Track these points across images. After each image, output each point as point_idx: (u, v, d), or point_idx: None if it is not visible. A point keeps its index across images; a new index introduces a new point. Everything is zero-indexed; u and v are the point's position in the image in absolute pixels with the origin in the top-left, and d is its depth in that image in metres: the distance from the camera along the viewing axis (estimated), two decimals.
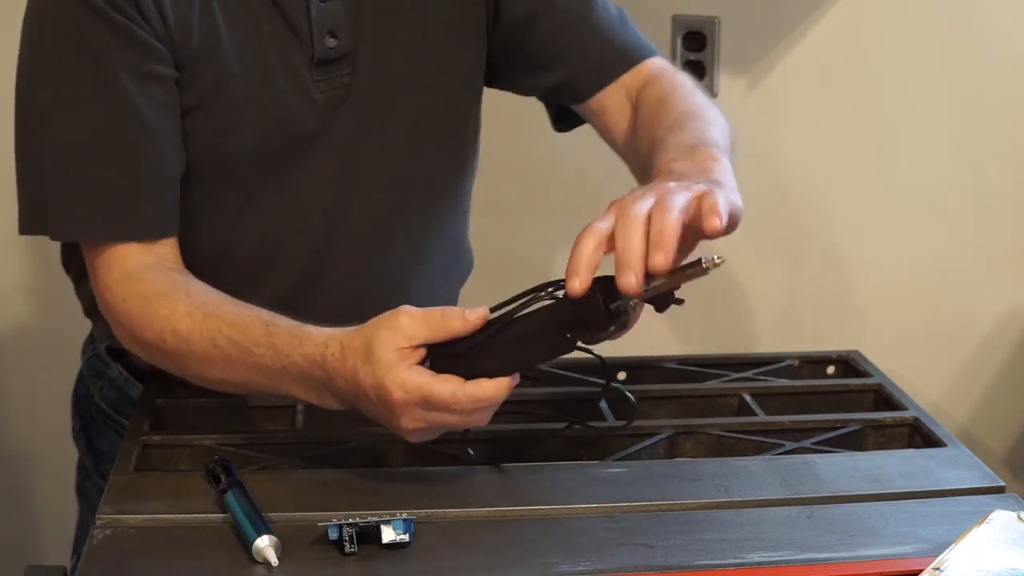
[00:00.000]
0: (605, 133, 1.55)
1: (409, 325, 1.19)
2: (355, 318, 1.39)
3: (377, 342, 1.20)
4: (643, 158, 1.39)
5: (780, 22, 2.10)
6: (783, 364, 1.61)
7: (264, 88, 1.42)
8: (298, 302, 1.40)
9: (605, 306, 1.13)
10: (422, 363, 1.20)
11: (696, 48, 2.15)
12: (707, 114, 1.41)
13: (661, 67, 1.53)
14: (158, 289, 1.36)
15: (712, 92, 2.15)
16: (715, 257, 1.08)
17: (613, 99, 1.53)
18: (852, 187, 2.11)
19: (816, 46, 2.08)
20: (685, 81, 1.50)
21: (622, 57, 1.52)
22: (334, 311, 1.42)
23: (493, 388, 1.18)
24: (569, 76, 1.53)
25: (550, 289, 1.16)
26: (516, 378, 1.19)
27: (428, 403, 1.18)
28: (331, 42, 1.43)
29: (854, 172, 2.10)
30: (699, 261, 1.09)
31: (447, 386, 1.18)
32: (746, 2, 2.13)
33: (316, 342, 1.25)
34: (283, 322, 1.29)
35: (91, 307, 1.56)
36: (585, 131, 1.57)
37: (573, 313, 1.14)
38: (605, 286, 1.13)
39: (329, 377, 1.24)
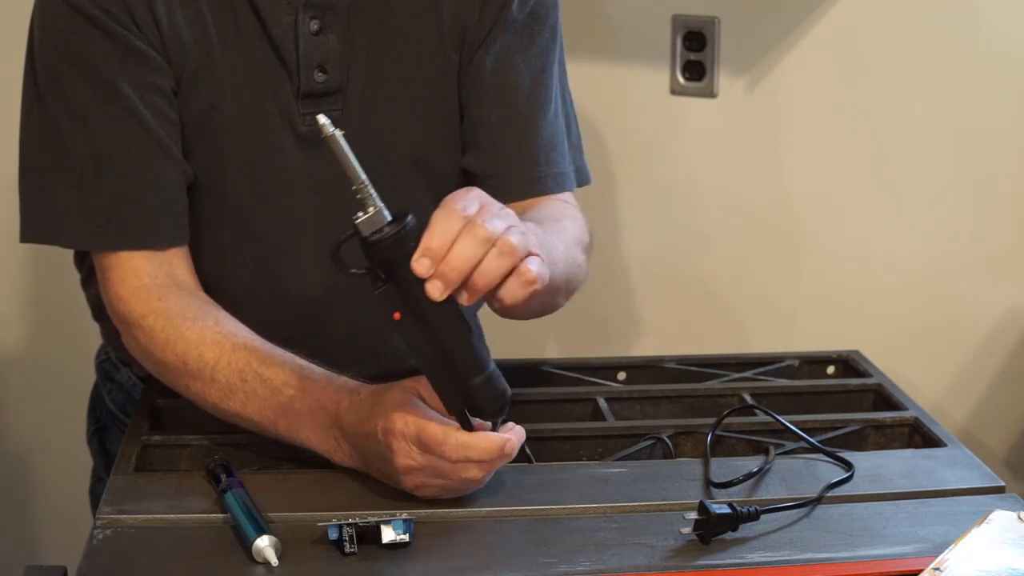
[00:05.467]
0: None
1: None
2: (360, 357, 1.38)
3: (398, 386, 1.24)
4: None
5: (780, 22, 2.09)
6: (783, 364, 1.61)
7: (253, 116, 1.41)
8: (301, 339, 1.38)
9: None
10: None
11: (696, 48, 2.15)
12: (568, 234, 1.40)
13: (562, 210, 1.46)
14: (183, 311, 1.35)
15: (712, 92, 2.15)
16: None
17: None
18: (852, 187, 2.10)
19: (816, 46, 2.08)
20: (572, 226, 1.45)
21: (522, 186, 1.47)
22: (338, 350, 1.41)
23: (484, 441, 1.19)
24: (475, 170, 1.49)
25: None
26: (511, 440, 1.20)
27: (421, 440, 1.19)
28: (320, 76, 1.41)
29: (854, 172, 2.10)
30: None
31: (441, 427, 1.19)
32: (746, 2, 2.12)
33: (349, 388, 1.27)
34: (318, 368, 1.30)
35: (99, 309, 1.55)
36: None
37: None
38: None
39: (348, 422, 1.25)
